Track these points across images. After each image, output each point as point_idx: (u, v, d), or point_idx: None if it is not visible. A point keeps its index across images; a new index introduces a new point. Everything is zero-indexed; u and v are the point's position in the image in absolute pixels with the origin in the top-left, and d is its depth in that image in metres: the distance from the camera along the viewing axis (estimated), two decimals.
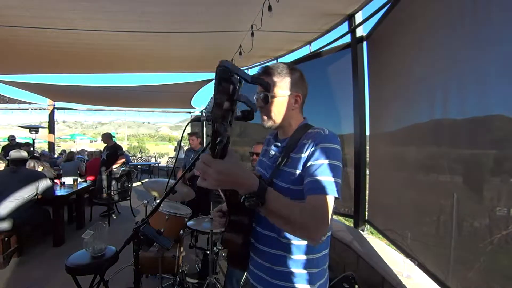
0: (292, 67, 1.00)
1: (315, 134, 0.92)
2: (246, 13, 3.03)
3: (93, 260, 2.02)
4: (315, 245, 0.90)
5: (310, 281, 0.92)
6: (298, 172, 0.89)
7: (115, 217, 5.15)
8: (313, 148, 0.88)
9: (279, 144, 1.04)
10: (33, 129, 5.50)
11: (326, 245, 0.98)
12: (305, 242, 0.91)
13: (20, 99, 9.89)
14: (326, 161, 0.85)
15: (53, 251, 3.58)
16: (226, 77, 0.56)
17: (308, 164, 0.87)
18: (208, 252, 2.25)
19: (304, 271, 0.92)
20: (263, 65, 1.02)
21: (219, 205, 1.07)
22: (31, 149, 6.36)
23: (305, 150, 0.89)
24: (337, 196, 0.82)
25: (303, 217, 0.75)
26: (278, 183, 0.92)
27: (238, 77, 0.58)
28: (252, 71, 5.35)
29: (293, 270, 0.92)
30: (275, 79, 0.96)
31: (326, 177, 0.83)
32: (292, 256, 0.92)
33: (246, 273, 2.34)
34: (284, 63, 1.01)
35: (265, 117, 0.99)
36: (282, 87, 0.96)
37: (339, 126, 3.15)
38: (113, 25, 3.32)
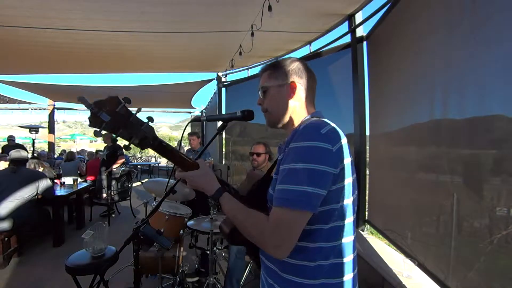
0: (293, 58, 0.94)
1: (293, 130, 0.80)
2: (246, 13, 3.03)
3: (93, 260, 2.01)
4: (277, 258, 0.76)
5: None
6: (275, 177, 0.82)
7: (114, 216, 5.15)
8: (286, 149, 0.77)
9: (280, 146, 0.98)
10: (33, 129, 5.50)
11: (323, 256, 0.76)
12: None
13: (20, 99, 9.90)
14: (291, 165, 0.71)
15: (53, 251, 3.58)
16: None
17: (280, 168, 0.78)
18: (208, 252, 2.25)
19: (290, 277, 0.80)
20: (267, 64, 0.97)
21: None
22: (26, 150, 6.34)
23: (281, 151, 0.82)
24: (300, 208, 0.68)
25: (255, 227, 0.75)
26: (270, 191, 0.84)
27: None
28: (252, 71, 5.37)
29: (284, 275, 0.81)
30: (268, 72, 0.93)
31: (288, 186, 0.70)
32: (282, 274, 0.80)
33: (245, 273, 2.34)
34: (289, 57, 0.96)
35: (266, 114, 0.94)
36: (275, 77, 0.90)
37: (339, 126, 3.12)
38: (113, 25, 3.32)
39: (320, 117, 0.86)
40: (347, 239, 0.78)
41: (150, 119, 0.76)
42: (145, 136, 0.74)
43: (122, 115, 0.71)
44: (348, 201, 0.77)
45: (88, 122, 0.69)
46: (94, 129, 0.70)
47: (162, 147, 0.80)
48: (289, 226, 0.70)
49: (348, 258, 0.78)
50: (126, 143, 0.76)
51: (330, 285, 0.76)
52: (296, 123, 0.89)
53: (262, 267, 0.90)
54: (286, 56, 1.01)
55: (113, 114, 0.69)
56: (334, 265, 0.76)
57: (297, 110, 0.89)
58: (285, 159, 0.75)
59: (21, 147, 4.21)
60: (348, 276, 0.77)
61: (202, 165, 0.87)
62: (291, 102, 0.89)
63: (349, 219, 0.78)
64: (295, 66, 0.91)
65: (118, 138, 0.76)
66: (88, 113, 0.70)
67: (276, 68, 0.91)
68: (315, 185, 0.68)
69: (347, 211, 0.77)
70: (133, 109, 0.74)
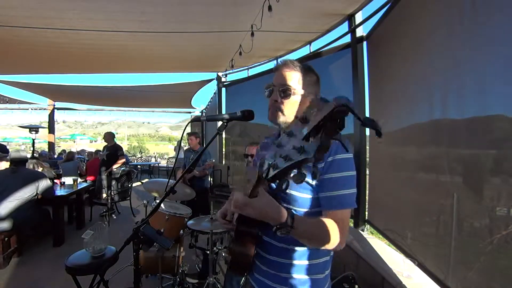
0: (311, 67, 0.98)
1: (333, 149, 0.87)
2: (246, 13, 3.03)
3: (93, 260, 2.01)
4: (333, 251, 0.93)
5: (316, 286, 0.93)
6: (309, 181, 0.88)
7: (115, 217, 5.15)
8: (327, 159, 0.86)
9: (266, 142, 1.06)
10: (33, 129, 5.49)
11: (328, 251, 0.96)
12: (306, 249, 0.92)
13: (20, 99, 9.90)
14: (342, 174, 0.86)
15: (53, 251, 3.58)
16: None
17: (323, 177, 0.86)
18: (208, 252, 2.25)
19: (307, 277, 0.92)
20: (284, 59, 1.01)
21: (221, 208, 1.06)
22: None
23: (267, 148, 0.92)
24: (350, 207, 0.88)
25: (331, 233, 0.81)
26: (294, 194, 0.89)
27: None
28: (252, 71, 5.36)
29: (298, 276, 0.92)
30: (300, 75, 0.94)
31: (343, 191, 0.86)
32: (297, 262, 0.91)
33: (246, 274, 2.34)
34: (304, 63, 1.00)
35: (279, 113, 0.94)
36: (304, 84, 0.93)
37: None
38: (113, 25, 3.32)
39: None
40: None
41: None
42: None
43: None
44: None
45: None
46: None
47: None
48: (349, 222, 0.91)
49: None
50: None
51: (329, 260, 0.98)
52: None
53: (266, 267, 0.94)
54: (295, 59, 1.02)
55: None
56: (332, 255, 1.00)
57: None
58: (332, 168, 0.86)
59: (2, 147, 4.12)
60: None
61: (261, 191, 0.79)
62: (303, 110, 0.95)
63: None
64: (315, 79, 0.98)
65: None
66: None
67: (307, 74, 0.95)
68: (355, 186, 0.89)
69: None
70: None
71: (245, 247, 0.89)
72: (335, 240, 0.82)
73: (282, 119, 0.94)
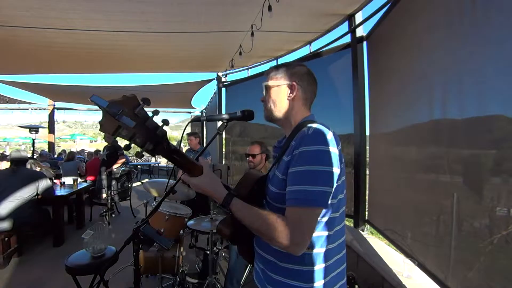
0: (297, 63, 1.01)
1: (300, 134, 0.85)
2: (246, 13, 3.03)
3: (93, 260, 2.01)
4: (296, 254, 0.80)
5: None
6: (283, 177, 0.85)
7: (114, 216, 5.15)
8: (295, 152, 0.82)
9: (277, 144, 1.03)
10: (33, 129, 5.49)
11: (317, 259, 0.85)
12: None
13: (20, 99, 9.91)
14: (305, 167, 0.78)
15: (53, 251, 3.58)
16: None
17: (288, 171, 0.82)
18: (208, 252, 2.25)
19: (284, 279, 0.87)
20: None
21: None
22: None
23: (289, 153, 0.85)
24: (317, 206, 0.78)
25: (272, 229, 0.77)
26: (271, 188, 0.90)
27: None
28: (252, 71, 5.37)
29: (276, 276, 0.89)
30: (272, 73, 0.99)
31: (303, 186, 0.77)
32: (281, 264, 0.87)
33: (246, 273, 2.35)
34: (294, 61, 1.04)
35: (264, 108, 1.01)
36: (278, 78, 0.97)
37: (339, 126, 3.14)
38: (113, 25, 3.32)
39: (315, 121, 0.93)
40: (339, 227, 0.91)
41: (166, 122, 0.69)
42: (160, 142, 0.66)
43: (139, 119, 0.62)
44: (342, 195, 0.89)
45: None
46: (104, 133, 0.61)
47: (174, 153, 0.73)
48: (309, 223, 0.78)
49: (338, 241, 0.91)
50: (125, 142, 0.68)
51: (328, 267, 0.87)
52: (293, 122, 0.96)
53: (259, 260, 0.96)
54: (285, 59, 1.06)
55: (134, 118, 0.61)
56: (329, 250, 0.87)
57: (294, 110, 0.97)
58: (296, 161, 0.81)
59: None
60: (338, 256, 0.91)
61: (206, 170, 0.85)
62: (287, 101, 0.97)
63: (342, 209, 0.91)
64: (297, 69, 0.98)
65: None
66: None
67: (279, 69, 0.98)
68: (327, 184, 0.78)
69: (342, 204, 0.89)
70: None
71: (224, 226, 0.92)
72: (276, 237, 0.76)
73: (265, 113, 1.00)
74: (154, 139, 0.65)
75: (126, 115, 0.60)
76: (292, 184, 0.80)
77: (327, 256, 0.86)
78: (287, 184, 0.81)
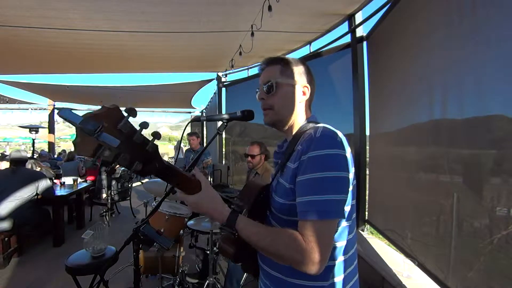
0: (298, 59, 0.92)
1: (307, 137, 0.76)
2: (246, 13, 3.03)
3: (93, 260, 2.02)
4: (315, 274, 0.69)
5: None
6: (290, 186, 0.76)
7: (114, 216, 5.15)
8: (303, 158, 0.73)
9: (278, 150, 0.94)
10: (33, 129, 5.49)
11: (327, 274, 0.76)
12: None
13: (20, 99, 9.91)
14: (315, 175, 0.69)
15: (53, 251, 3.58)
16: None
17: (297, 179, 0.73)
18: (208, 252, 2.24)
19: None
20: (270, 57, 0.92)
21: None
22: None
23: (296, 159, 0.76)
24: (334, 217, 0.70)
25: (284, 247, 0.68)
26: (276, 199, 0.81)
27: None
28: (252, 71, 5.36)
29: None
30: (279, 68, 0.86)
31: (316, 196, 0.68)
32: (287, 279, 0.79)
33: (246, 273, 2.34)
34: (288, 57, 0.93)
35: (266, 110, 0.87)
36: (288, 75, 0.85)
37: (339, 126, 3.10)
38: (113, 25, 3.32)
39: (318, 122, 0.87)
40: (351, 235, 0.81)
41: (156, 135, 0.57)
42: (150, 160, 0.56)
43: (124, 134, 0.51)
44: (354, 201, 0.79)
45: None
46: (81, 155, 0.53)
47: (167, 171, 0.63)
48: (329, 237, 0.70)
49: (351, 252, 0.82)
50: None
51: (340, 282, 0.78)
52: (296, 125, 0.88)
53: (264, 276, 0.89)
54: (287, 56, 0.98)
55: (117, 135, 0.50)
56: (340, 263, 0.78)
57: (300, 113, 0.89)
58: (305, 167, 0.72)
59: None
60: (350, 269, 0.81)
61: (204, 185, 0.74)
62: (299, 105, 0.87)
63: (353, 216, 0.82)
64: (306, 69, 0.89)
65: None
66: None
67: (288, 66, 0.87)
68: (341, 192, 0.70)
69: (353, 210, 0.80)
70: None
71: (227, 245, 0.83)
72: (290, 256, 0.68)
73: (272, 117, 0.87)
74: (144, 156, 0.55)
75: (107, 131, 0.49)
76: (303, 194, 0.71)
77: (338, 269, 0.78)
78: (297, 194, 0.73)
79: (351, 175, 0.73)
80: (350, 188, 0.74)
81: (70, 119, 0.47)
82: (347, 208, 0.74)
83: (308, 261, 0.66)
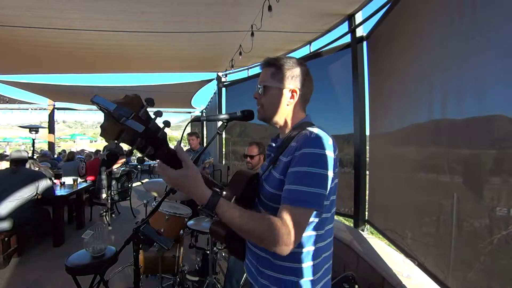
0: (296, 61, 0.96)
1: (302, 136, 0.85)
2: (246, 13, 3.03)
3: (93, 260, 2.02)
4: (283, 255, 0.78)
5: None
6: (280, 177, 0.85)
7: (114, 216, 5.15)
8: (296, 153, 0.82)
9: (273, 144, 1.02)
10: (33, 129, 5.49)
11: (308, 257, 0.87)
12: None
13: (20, 99, 9.92)
14: (304, 168, 0.79)
15: (53, 251, 3.58)
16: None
17: (288, 170, 0.83)
18: (208, 252, 2.25)
19: (277, 274, 0.89)
20: (269, 57, 0.98)
21: None
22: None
23: (289, 154, 0.85)
24: (311, 207, 0.78)
25: (268, 233, 0.74)
26: (267, 188, 0.90)
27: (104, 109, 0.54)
28: (252, 71, 5.37)
29: (268, 272, 0.90)
30: (271, 71, 0.95)
31: (301, 187, 0.77)
32: (274, 261, 0.89)
33: (232, 256, 2.34)
34: (291, 57, 0.98)
35: (258, 108, 0.99)
36: (278, 79, 0.93)
37: (339, 126, 3.15)
38: (113, 25, 3.32)
39: (312, 123, 0.96)
40: (330, 226, 0.93)
41: (167, 123, 0.64)
42: (161, 145, 0.62)
43: (144, 122, 0.57)
44: (334, 196, 0.91)
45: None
46: (108, 139, 0.56)
47: (173, 157, 0.69)
48: (303, 224, 0.79)
49: (328, 240, 0.93)
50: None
51: (317, 264, 0.89)
52: (290, 124, 0.97)
53: (252, 256, 0.97)
54: (288, 56, 1.01)
55: (140, 121, 0.56)
56: (318, 248, 0.89)
57: (291, 114, 0.97)
58: (297, 161, 0.81)
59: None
60: (326, 253, 0.93)
61: (188, 163, 0.74)
62: (287, 107, 0.96)
63: (334, 209, 0.94)
64: (298, 72, 0.95)
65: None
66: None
67: (280, 69, 0.94)
68: (324, 187, 0.79)
69: (333, 204, 0.92)
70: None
71: (219, 227, 0.92)
72: (268, 237, 0.74)
73: (262, 114, 0.98)
74: (156, 142, 0.61)
75: (134, 118, 0.55)
76: (290, 183, 0.80)
77: (316, 253, 0.89)
78: (286, 182, 0.82)
79: (332, 174, 0.82)
80: (332, 185, 0.84)
81: (103, 105, 0.52)
82: (326, 202, 0.85)
83: (281, 242, 0.74)
